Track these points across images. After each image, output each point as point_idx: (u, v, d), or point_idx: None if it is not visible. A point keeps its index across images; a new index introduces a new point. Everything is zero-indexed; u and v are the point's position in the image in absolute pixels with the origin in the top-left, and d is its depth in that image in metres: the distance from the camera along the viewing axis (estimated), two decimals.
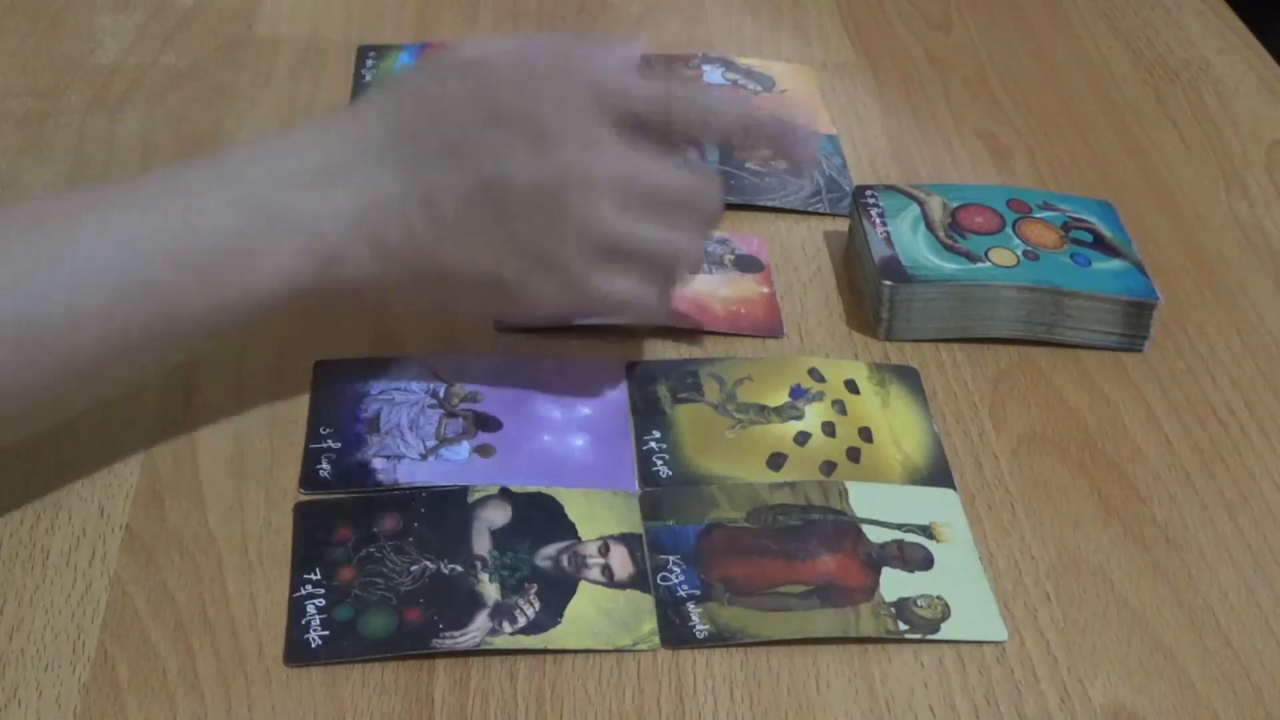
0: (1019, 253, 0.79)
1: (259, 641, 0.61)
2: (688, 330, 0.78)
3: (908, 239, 0.80)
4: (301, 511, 0.66)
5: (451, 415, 0.72)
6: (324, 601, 0.62)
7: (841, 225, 0.86)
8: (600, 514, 0.67)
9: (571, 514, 0.67)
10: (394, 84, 0.70)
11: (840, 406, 0.74)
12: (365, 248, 0.65)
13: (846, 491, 0.69)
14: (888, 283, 0.77)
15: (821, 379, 0.75)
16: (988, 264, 0.78)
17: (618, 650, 0.62)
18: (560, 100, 0.66)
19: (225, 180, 0.64)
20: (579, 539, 0.66)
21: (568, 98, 0.66)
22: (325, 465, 0.69)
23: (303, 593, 0.63)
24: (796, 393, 0.74)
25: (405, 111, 0.66)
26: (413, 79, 0.69)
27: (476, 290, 0.67)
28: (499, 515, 0.67)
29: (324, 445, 0.69)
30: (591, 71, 0.67)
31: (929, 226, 0.81)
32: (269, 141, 0.67)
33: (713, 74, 0.98)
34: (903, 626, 0.63)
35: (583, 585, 0.64)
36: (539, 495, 0.68)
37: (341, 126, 0.67)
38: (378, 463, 0.69)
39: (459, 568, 0.64)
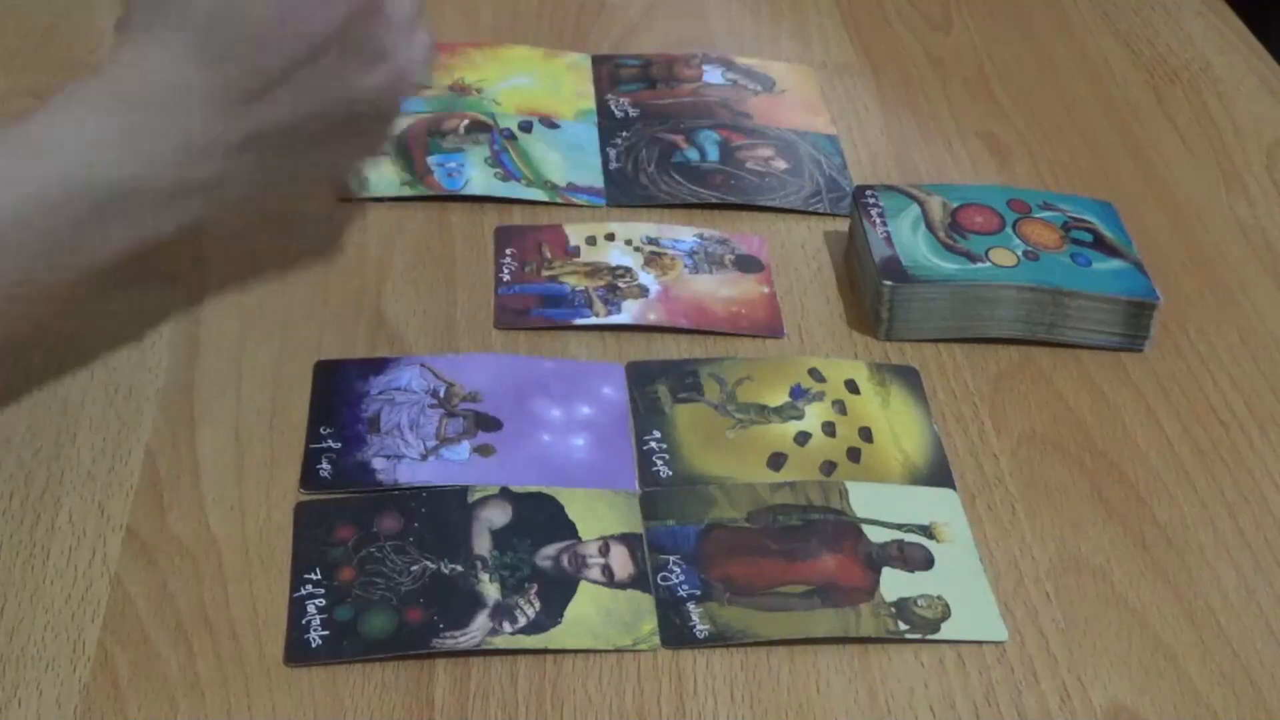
0: (1019, 253, 0.79)
1: (259, 641, 0.61)
2: (687, 330, 0.78)
3: (908, 239, 0.80)
4: (301, 511, 0.66)
5: (451, 415, 0.72)
6: (324, 601, 0.62)
7: (841, 225, 0.86)
8: (600, 514, 0.67)
9: (572, 514, 0.67)
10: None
11: (840, 406, 0.74)
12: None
13: (847, 491, 0.69)
14: (888, 283, 0.77)
15: (821, 379, 0.75)
16: (988, 264, 0.78)
17: (618, 650, 0.62)
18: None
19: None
20: (579, 539, 0.66)
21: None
22: (325, 465, 0.69)
23: (303, 593, 0.63)
24: (796, 393, 0.74)
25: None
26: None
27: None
28: (499, 515, 0.67)
29: (324, 445, 0.69)
30: None
31: (929, 226, 0.81)
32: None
33: (713, 74, 0.98)
34: (903, 626, 0.63)
35: (583, 585, 0.64)
36: (539, 495, 0.68)
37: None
38: (378, 463, 0.69)
39: (459, 568, 0.64)
